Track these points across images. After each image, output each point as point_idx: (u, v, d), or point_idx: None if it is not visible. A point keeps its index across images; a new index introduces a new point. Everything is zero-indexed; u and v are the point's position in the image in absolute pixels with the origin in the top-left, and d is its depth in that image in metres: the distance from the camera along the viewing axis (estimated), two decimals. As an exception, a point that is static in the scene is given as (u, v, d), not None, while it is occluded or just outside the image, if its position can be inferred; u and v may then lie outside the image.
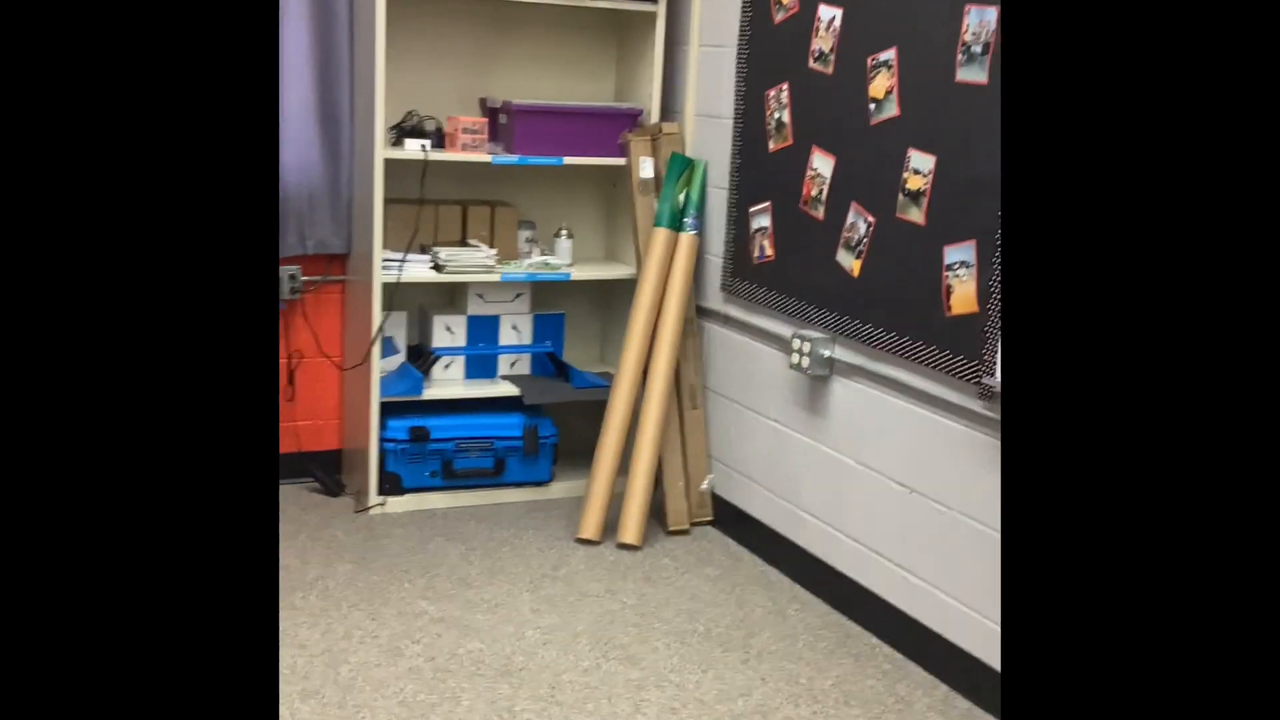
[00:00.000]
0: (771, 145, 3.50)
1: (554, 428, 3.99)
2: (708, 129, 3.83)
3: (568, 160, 3.87)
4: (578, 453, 4.27)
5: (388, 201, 3.82)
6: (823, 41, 3.26)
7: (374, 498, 3.81)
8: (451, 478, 3.87)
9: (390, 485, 3.81)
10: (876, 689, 2.91)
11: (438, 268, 3.76)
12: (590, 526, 3.69)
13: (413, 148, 3.71)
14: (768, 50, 3.49)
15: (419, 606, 3.18)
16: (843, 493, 3.28)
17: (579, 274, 3.98)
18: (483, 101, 4.02)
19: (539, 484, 4.01)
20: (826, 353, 3.27)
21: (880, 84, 3.05)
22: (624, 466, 3.80)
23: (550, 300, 4.23)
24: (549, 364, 4.11)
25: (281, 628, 3.02)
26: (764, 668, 2.98)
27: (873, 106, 3.08)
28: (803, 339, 3.30)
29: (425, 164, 3.71)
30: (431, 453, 3.82)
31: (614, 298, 4.22)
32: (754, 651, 3.05)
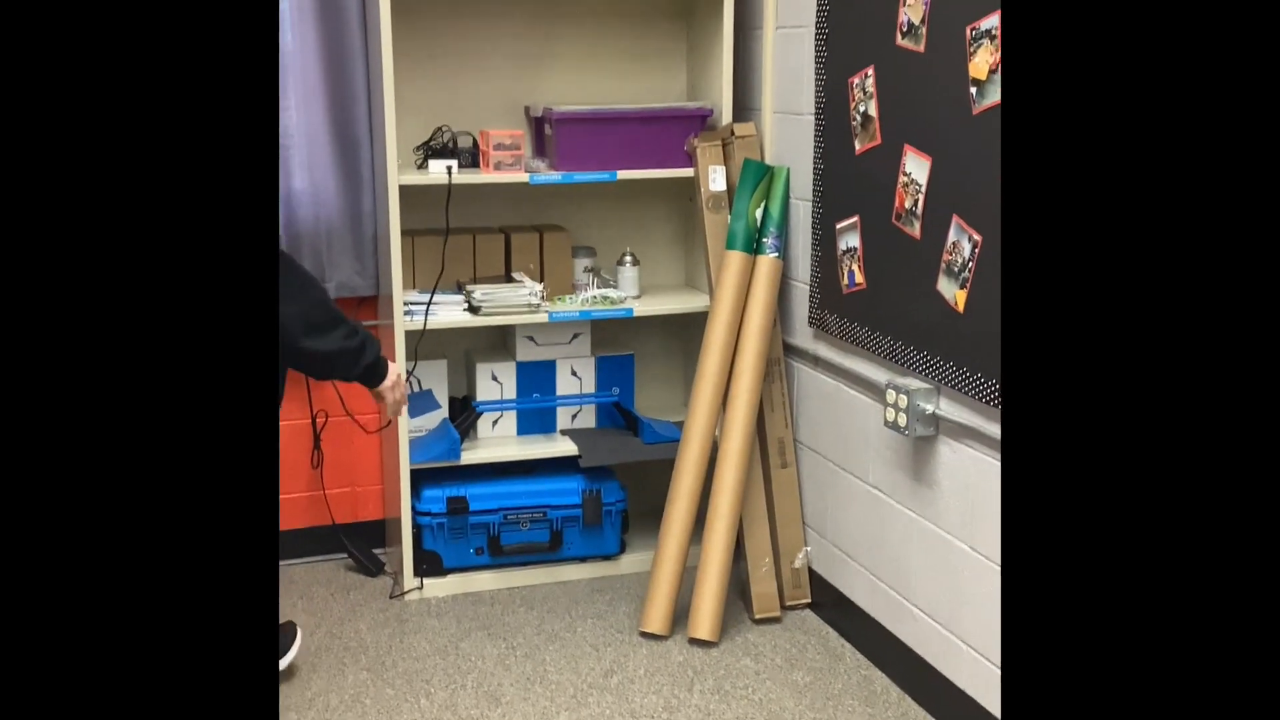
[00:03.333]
0: (858, 145, 2.80)
1: (621, 491, 3.37)
2: (788, 129, 3.15)
3: (622, 175, 3.25)
4: (657, 516, 3.63)
5: (414, 234, 3.27)
6: (912, 10, 2.55)
7: (410, 580, 3.27)
8: (499, 555, 3.29)
9: (429, 566, 3.26)
10: None
11: (473, 309, 3.20)
12: (655, 618, 3.05)
13: (437, 170, 3.15)
14: (850, 26, 2.80)
15: (430, 733, 2.61)
16: (958, 586, 2.56)
17: (645, 308, 3.35)
18: (526, 110, 3.44)
19: (607, 558, 3.40)
20: (929, 408, 2.56)
21: (983, 60, 2.33)
22: (700, 539, 3.15)
23: (616, 339, 3.61)
24: (617, 415, 3.49)
25: (259, 766, 2.48)
26: (849, 828, 2.29)
27: (974, 90, 2.36)
28: (898, 390, 2.59)
29: (449, 189, 3.14)
30: (475, 527, 3.25)
31: (694, 333, 3.57)
32: (839, 802, 2.37)
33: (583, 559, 3.38)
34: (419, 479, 3.28)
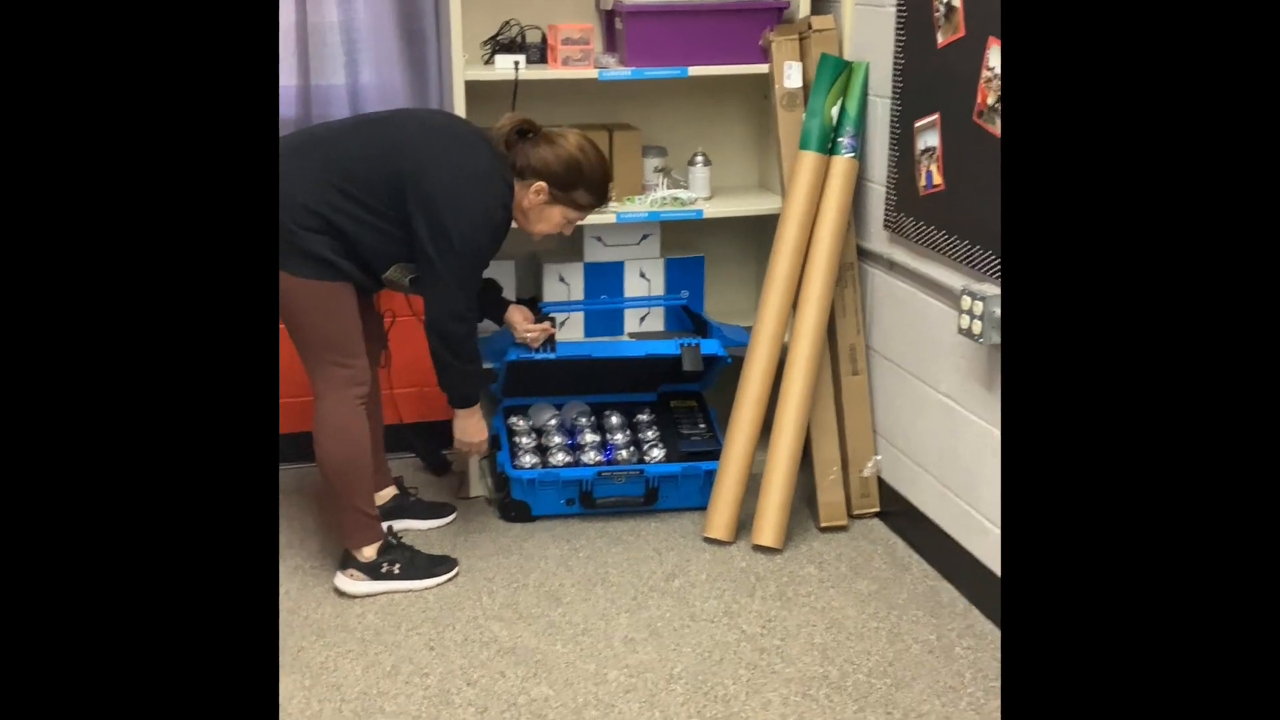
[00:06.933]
0: (940, 38, 2.67)
1: (723, 349, 3.16)
2: (868, 21, 3.01)
3: (693, 71, 3.15)
4: (724, 422, 3.59)
5: (481, 132, 3.20)
6: (1001, -108, 2.39)
7: (476, 486, 3.27)
8: (592, 508, 3.13)
9: (517, 514, 3.12)
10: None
11: (541, 209, 3.14)
12: (719, 523, 3.02)
13: (504, 65, 3.08)
14: (934, -89, 2.65)
15: (491, 631, 2.62)
16: (1029, 499, 2.48)
17: (716, 209, 3.27)
18: (596, 3, 3.34)
19: (699, 510, 3.26)
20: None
21: (1075, -56, 2.18)
22: (766, 447, 3.10)
23: (686, 241, 3.53)
24: (686, 318, 3.43)
25: (322, 659, 2.52)
26: (908, 739, 2.26)
27: (1065, -23, 2.21)
28: (974, 296, 2.50)
29: (516, 85, 3.07)
30: (567, 482, 3.11)
31: (766, 235, 3.48)
32: (899, 712, 2.34)
33: (677, 510, 3.19)
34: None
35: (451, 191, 2.55)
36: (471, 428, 2.85)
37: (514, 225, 2.75)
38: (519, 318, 2.99)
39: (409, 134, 2.61)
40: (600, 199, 2.75)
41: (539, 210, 2.70)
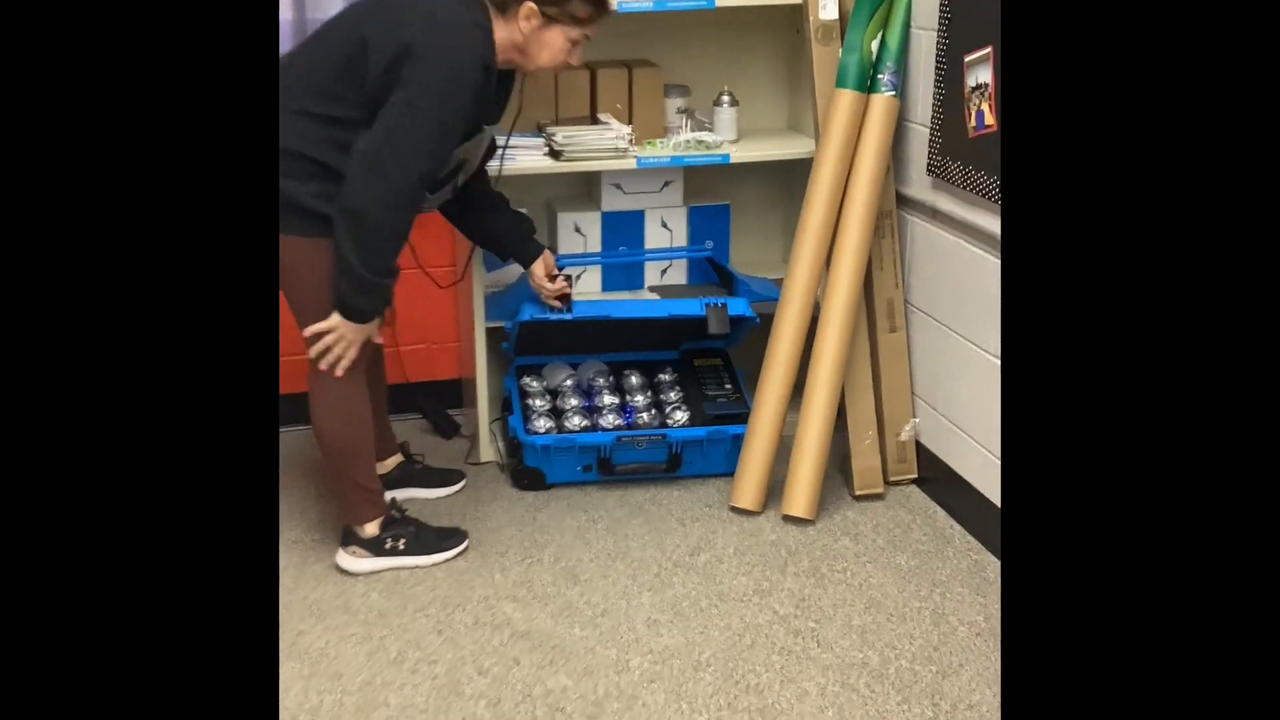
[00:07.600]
0: (993, -37, 2.42)
1: (751, 309, 2.94)
2: (910, -54, 2.76)
3: (720, 1, 2.91)
4: (752, 383, 3.38)
5: (489, 70, 2.97)
6: None
7: (485, 450, 3.08)
8: (610, 474, 2.93)
9: (530, 481, 2.93)
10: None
11: (555, 153, 2.92)
12: (747, 493, 2.82)
13: (514, -3, 2.83)
14: None
15: (504, 612, 2.44)
16: (1089, 471, 2.27)
17: (744, 153, 3.04)
18: (614, -71, 3.08)
19: (725, 477, 3.04)
20: (1067, 270, 2.24)
21: None
22: (797, 409, 2.89)
23: (711, 187, 3.31)
24: (710, 271, 3.21)
25: (322, 644, 2.34)
26: (958, 735, 2.07)
27: (1143, -111, 1.97)
28: (1031, 250, 2.27)
29: (527, 18, 2.83)
30: (584, 448, 2.90)
31: (797, 181, 3.25)
32: (947, 704, 2.15)
33: (702, 478, 2.99)
34: (500, 337, 3.04)
35: (410, 47, 2.23)
36: (348, 329, 2.36)
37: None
38: (541, 270, 2.77)
39: (359, 15, 2.34)
40: (600, 6, 2.41)
41: (536, 38, 2.38)
